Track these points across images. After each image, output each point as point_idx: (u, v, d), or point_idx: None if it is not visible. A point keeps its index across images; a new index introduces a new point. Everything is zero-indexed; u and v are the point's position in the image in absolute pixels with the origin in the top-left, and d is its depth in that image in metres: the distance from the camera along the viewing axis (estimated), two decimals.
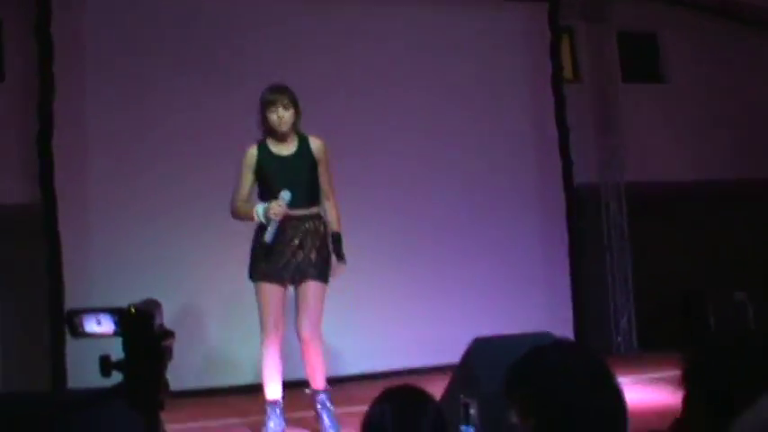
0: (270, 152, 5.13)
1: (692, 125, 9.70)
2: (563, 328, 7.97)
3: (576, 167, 8.98)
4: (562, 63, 9.14)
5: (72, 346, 6.67)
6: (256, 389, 5.35)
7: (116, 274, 7.09)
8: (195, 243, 7.40)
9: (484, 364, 4.35)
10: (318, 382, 5.13)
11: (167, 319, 1.76)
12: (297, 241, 5.03)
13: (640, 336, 9.23)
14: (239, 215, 5.16)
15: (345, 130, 7.43)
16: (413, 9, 8.44)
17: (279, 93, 5.10)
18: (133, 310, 1.59)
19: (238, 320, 6.87)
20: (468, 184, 8.42)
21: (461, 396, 4.08)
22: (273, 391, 5.11)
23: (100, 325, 1.58)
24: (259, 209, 4.97)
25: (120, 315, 1.58)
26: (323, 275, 5.12)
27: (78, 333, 1.61)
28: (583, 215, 9.06)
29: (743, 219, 9.47)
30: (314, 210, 5.16)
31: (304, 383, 5.42)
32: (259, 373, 5.24)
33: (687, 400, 1.92)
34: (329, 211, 5.23)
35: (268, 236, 4.91)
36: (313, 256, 5.07)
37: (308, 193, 5.12)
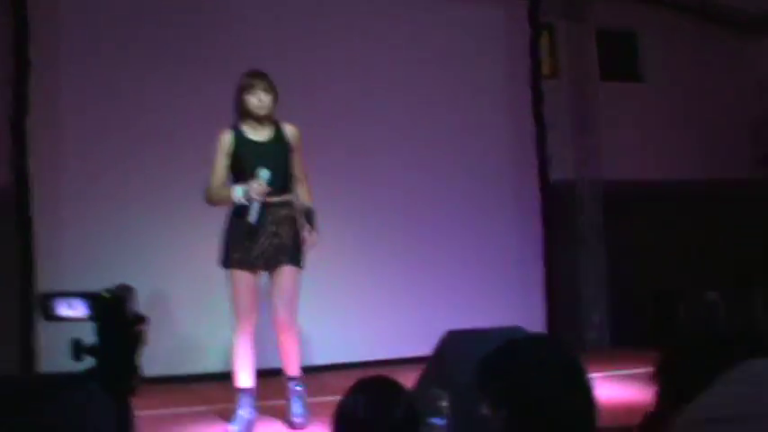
0: (245, 137, 5.11)
1: (668, 125, 9.75)
2: (536, 323, 8.02)
3: (553, 164, 9.01)
4: (541, 60, 9.16)
5: (42, 329, 6.64)
6: (227, 377, 5.34)
7: (88, 260, 7.06)
8: (167, 229, 7.38)
9: (456, 357, 4.37)
10: (292, 369, 5.14)
11: (138, 303, 1.76)
12: (273, 228, 5.02)
13: (612, 333, 9.29)
14: (215, 200, 5.13)
15: (322, 125, 7.40)
16: (393, 3, 8.44)
17: (259, 77, 5.10)
18: (106, 294, 1.58)
19: (209, 308, 6.86)
20: (445, 179, 8.43)
21: (433, 388, 4.08)
22: (245, 379, 5.10)
23: (72, 309, 1.57)
24: (238, 190, 4.93)
25: (93, 299, 1.57)
26: (298, 261, 5.11)
27: (50, 316, 1.60)
28: (558, 212, 9.10)
29: (717, 219, 9.54)
30: (288, 197, 5.15)
31: (275, 372, 5.42)
32: (230, 360, 5.23)
33: (659, 396, 1.94)
34: (302, 195, 5.22)
35: (252, 217, 4.87)
36: (288, 242, 5.06)
37: (283, 179, 5.10)
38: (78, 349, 1.53)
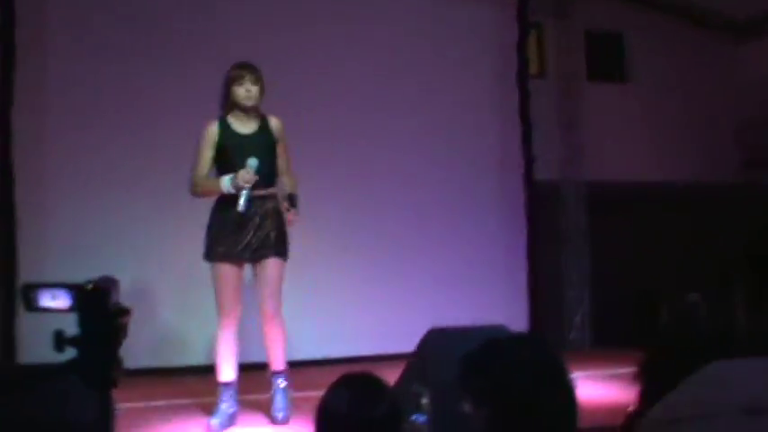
0: (231, 129, 5.10)
1: (653, 126, 9.79)
2: (518, 321, 8.04)
3: (538, 163, 9.03)
4: (528, 59, 9.17)
5: (23, 319, 6.61)
6: (209, 370, 5.33)
7: (71, 250, 7.03)
8: (152, 221, 7.36)
9: (438, 355, 4.37)
10: (278, 363, 5.11)
11: (121, 295, 1.75)
12: (258, 220, 5.01)
13: (595, 333, 9.33)
14: (201, 191, 5.11)
15: (308, 121, 7.39)
16: (381, 1, 8.44)
17: (248, 68, 5.10)
18: (90, 286, 1.57)
19: (193, 300, 6.84)
20: (430, 177, 8.43)
21: (414, 385, 4.09)
22: (227, 372, 5.09)
23: (55, 300, 1.56)
24: (225, 180, 4.92)
25: (76, 291, 1.56)
26: (283, 253, 5.11)
27: (33, 307, 1.59)
28: (542, 211, 9.12)
29: (700, 221, 9.59)
30: (273, 189, 5.14)
31: (258, 366, 5.40)
32: (212, 353, 5.21)
33: (641, 396, 1.95)
34: (287, 183, 5.22)
35: (242, 206, 4.85)
36: (273, 234, 5.06)
37: (269, 172, 5.10)
38: (60, 340, 1.52)
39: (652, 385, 1.92)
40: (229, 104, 5.12)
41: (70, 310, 1.56)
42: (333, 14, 8.19)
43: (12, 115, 7.10)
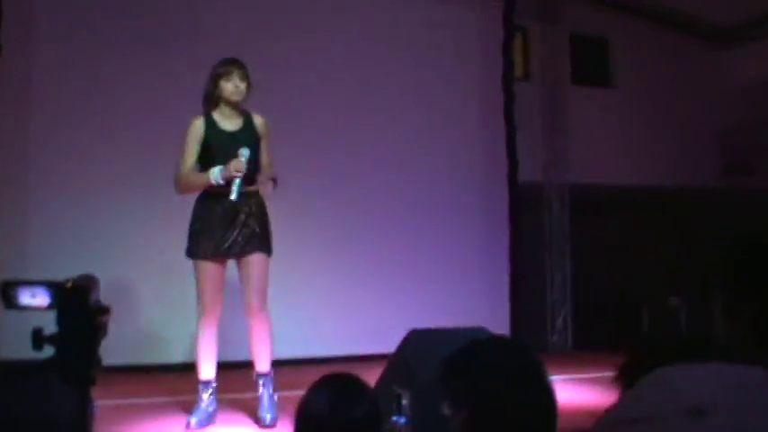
0: (216, 126, 5.07)
1: (636, 131, 9.85)
2: (500, 323, 8.06)
3: (522, 166, 9.06)
4: (513, 62, 9.20)
5: (2, 317, 6.56)
6: (189, 367, 5.31)
7: (51, 248, 7.01)
8: (133, 218, 7.35)
9: (418, 356, 4.37)
10: (263, 364, 5.07)
11: (102, 293, 1.74)
12: (242, 217, 4.99)
13: (575, 335, 9.36)
14: (189, 185, 5.04)
15: (292, 122, 7.39)
16: (367, 2, 8.45)
17: (236, 64, 5.07)
18: (69, 284, 1.56)
19: (172, 298, 6.83)
20: (413, 177, 8.45)
21: (394, 386, 4.09)
22: (207, 371, 5.06)
23: (35, 298, 1.56)
24: (215, 171, 4.88)
25: (55, 289, 1.56)
26: (267, 249, 5.08)
27: (12, 305, 1.58)
28: (525, 213, 9.15)
29: (681, 225, 9.65)
30: (256, 186, 5.11)
31: (237, 365, 5.39)
32: (192, 351, 5.19)
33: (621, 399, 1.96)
34: (266, 172, 5.17)
35: (234, 194, 4.82)
36: (258, 230, 5.03)
37: (253, 168, 5.07)
38: (39, 339, 1.52)
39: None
40: (214, 100, 5.10)
41: (49, 307, 1.55)
42: (320, 18, 8.19)
43: None
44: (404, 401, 3.91)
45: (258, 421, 5.01)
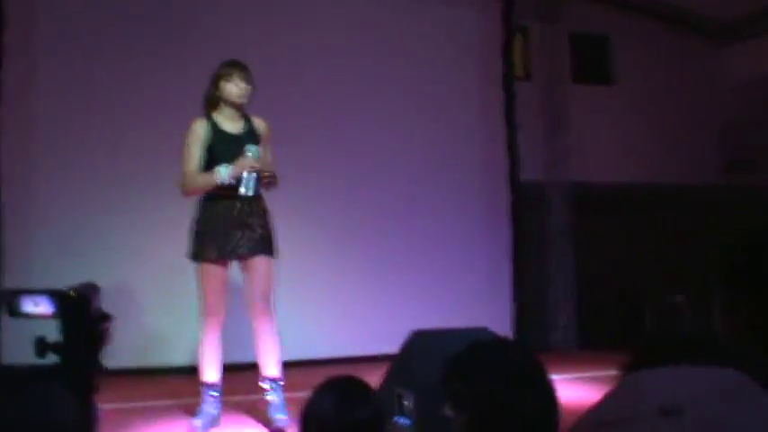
0: (218, 128, 5.05)
1: (638, 129, 9.84)
2: (503, 323, 8.06)
3: (523, 165, 9.06)
4: (514, 61, 9.20)
5: (6, 324, 6.57)
6: (192, 370, 5.32)
7: (55, 251, 7.03)
8: (136, 222, 7.37)
9: (421, 357, 4.37)
10: (273, 369, 5.02)
11: (104, 296, 1.75)
12: (246, 219, 4.98)
13: (579, 334, 9.36)
14: (196, 186, 4.99)
15: (293, 124, 7.39)
16: (367, 3, 8.46)
17: (239, 66, 5.06)
18: (72, 293, 1.57)
19: (176, 300, 6.83)
20: (414, 178, 8.45)
21: (397, 387, 4.10)
22: (211, 373, 5.06)
23: (38, 306, 1.57)
24: (221, 170, 4.87)
25: (58, 298, 1.57)
26: (272, 251, 5.07)
27: (16, 313, 1.60)
28: (527, 212, 9.15)
29: (684, 223, 9.64)
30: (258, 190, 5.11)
31: (241, 367, 5.39)
32: (195, 354, 5.19)
33: None
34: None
35: (249, 189, 4.82)
36: (262, 233, 5.01)
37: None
38: (42, 347, 1.53)
39: None
40: (214, 101, 5.09)
41: (52, 316, 1.57)
42: (321, 19, 8.20)
43: (0, 115, 7.09)
44: (406, 402, 3.92)
45: (269, 423, 4.97)
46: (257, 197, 5.04)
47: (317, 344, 7.65)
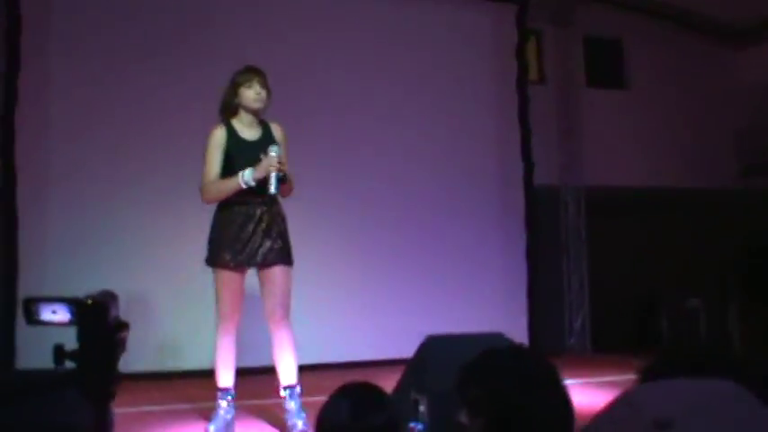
0: (236, 135, 5.06)
1: (652, 133, 9.82)
2: (517, 327, 8.05)
3: (537, 169, 9.05)
4: (528, 65, 9.20)
5: (23, 331, 6.61)
6: (207, 375, 5.32)
7: (69, 253, 7.06)
8: (152, 227, 7.40)
9: (436, 362, 4.37)
10: (291, 377, 5.03)
11: (121, 303, 1.76)
12: (264, 225, 4.99)
13: (594, 338, 9.34)
14: (218, 192, 4.98)
15: (308, 128, 7.41)
16: (380, 6, 8.46)
17: (257, 72, 5.06)
18: (89, 301, 1.58)
19: (192, 305, 6.85)
20: (429, 182, 8.46)
21: (412, 392, 4.10)
22: (226, 378, 5.07)
23: (56, 314, 1.58)
24: (245, 173, 4.87)
25: (76, 305, 1.58)
26: (290, 259, 5.08)
27: (34, 320, 1.61)
28: (542, 216, 9.14)
29: (698, 227, 9.61)
30: (276, 196, 5.11)
31: (255, 371, 5.39)
32: (210, 358, 5.20)
33: None
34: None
35: (273, 187, 4.84)
36: (279, 240, 5.02)
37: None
38: (60, 354, 1.54)
39: None
40: (233, 108, 5.09)
41: (70, 323, 1.58)
42: (334, 22, 8.22)
43: (16, 117, 7.13)
44: (421, 407, 3.91)
45: (287, 431, 4.97)
46: (275, 202, 5.05)
47: (333, 348, 7.65)
